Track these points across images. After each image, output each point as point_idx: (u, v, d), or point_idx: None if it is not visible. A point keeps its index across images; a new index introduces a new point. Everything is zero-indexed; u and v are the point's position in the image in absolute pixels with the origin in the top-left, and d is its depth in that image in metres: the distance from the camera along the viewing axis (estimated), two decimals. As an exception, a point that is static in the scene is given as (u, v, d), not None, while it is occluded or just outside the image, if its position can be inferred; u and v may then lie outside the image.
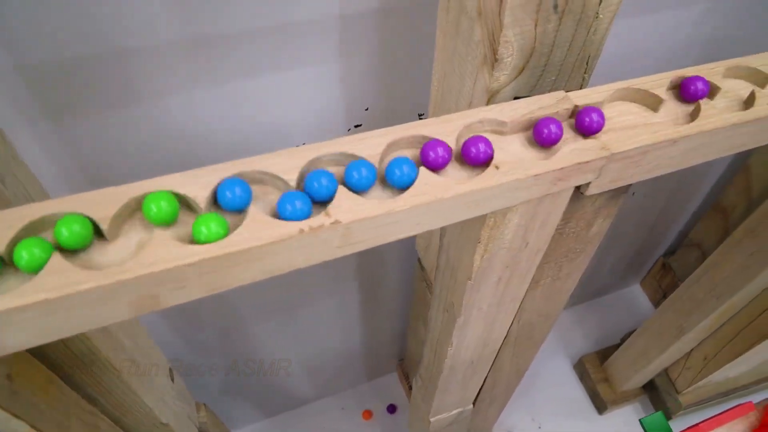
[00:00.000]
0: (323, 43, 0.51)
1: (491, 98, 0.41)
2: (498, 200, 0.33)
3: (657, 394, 1.12)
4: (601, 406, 1.17)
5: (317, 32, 0.50)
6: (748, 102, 0.39)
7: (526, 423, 1.19)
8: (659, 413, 0.53)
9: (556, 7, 0.36)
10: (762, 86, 0.41)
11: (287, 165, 0.32)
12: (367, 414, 1.19)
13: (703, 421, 0.49)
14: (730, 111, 0.38)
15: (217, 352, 0.89)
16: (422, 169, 0.32)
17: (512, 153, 0.34)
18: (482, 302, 0.47)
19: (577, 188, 0.38)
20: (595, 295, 1.34)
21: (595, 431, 1.17)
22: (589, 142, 0.34)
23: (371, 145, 0.33)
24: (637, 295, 1.37)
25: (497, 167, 0.33)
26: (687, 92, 0.38)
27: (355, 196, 0.31)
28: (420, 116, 0.62)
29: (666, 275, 1.28)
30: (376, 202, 0.31)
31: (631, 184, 0.42)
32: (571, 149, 0.34)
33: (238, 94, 0.51)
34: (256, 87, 0.52)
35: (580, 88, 0.44)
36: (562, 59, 0.41)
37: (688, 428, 0.48)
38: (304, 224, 0.30)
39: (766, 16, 0.72)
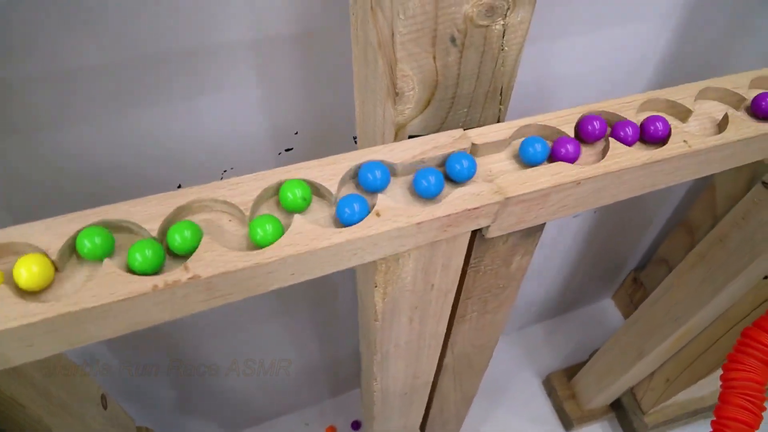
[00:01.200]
0: (243, 67, 0.49)
1: (399, 131, 0.39)
2: (381, 249, 0.31)
3: (624, 414, 1.10)
4: (567, 424, 1.15)
5: (237, 56, 0.48)
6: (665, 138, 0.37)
7: (493, 440, 1.17)
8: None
9: (453, 40, 0.34)
10: (683, 120, 0.40)
11: (149, 213, 0.30)
12: (331, 430, 1.17)
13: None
14: (642, 149, 0.36)
15: (164, 372, 0.88)
16: (296, 217, 0.30)
17: (398, 198, 0.33)
18: (398, 339, 0.45)
19: (480, 229, 0.36)
20: (566, 310, 1.32)
21: (562, 449, 1.15)
22: (482, 186, 0.33)
23: (245, 191, 0.31)
24: (608, 309, 1.35)
25: (378, 214, 0.31)
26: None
27: (220, 247, 0.29)
28: (354, 139, 0.60)
29: (637, 290, 1.26)
30: (242, 254, 0.29)
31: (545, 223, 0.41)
32: (461, 194, 0.32)
33: (156, 120, 0.50)
34: (172, 113, 0.50)
35: (498, 120, 0.42)
36: (471, 92, 0.39)
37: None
38: (158, 279, 0.28)
39: (720, 34, 0.71)
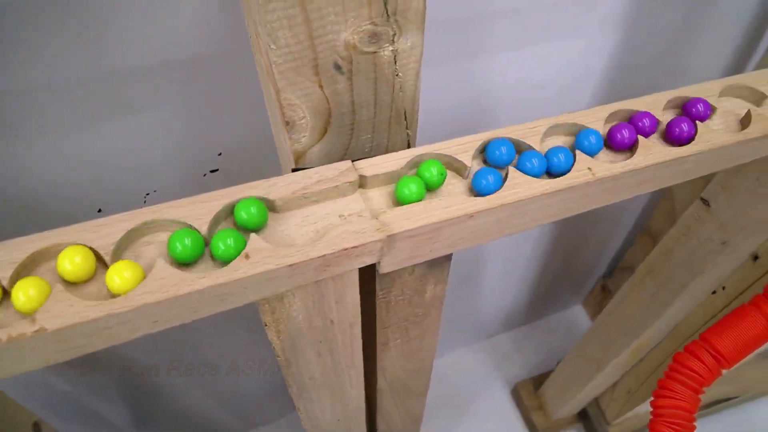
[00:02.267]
0: (163, 89, 0.47)
1: (298, 159, 0.38)
2: (252, 292, 0.30)
3: (590, 424, 1.09)
4: (535, 433, 1.14)
5: (158, 78, 0.46)
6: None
7: (460, 452, 1.15)
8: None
9: (339, 68, 0.33)
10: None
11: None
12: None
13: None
14: (532, 182, 0.34)
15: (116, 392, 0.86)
16: (158, 261, 0.28)
17: (275, 231, 0.31)
18: (311, 373, 0.43)
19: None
20: (536, 317, 1.31)
21: (530, 460, 1.14)
22: (363, 223, 0.31)
23: (108, 233, 0.29)
24: (579, 316, 1.34)
25: (247, 256, 0.29)
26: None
27: (71, 297, 0.27)
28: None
29: (606, 297, 1.25)
30: (94, 305, 0.27)
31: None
32: (339, 232, 0.30)
33: (75, 144, 0.48)
34: (92, 137, 0.48)
35: (408, 145, 0.40)
36: (371, 117, 0.37)
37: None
38: (2, 332, 0.26)
39: (664, 47, 0.69)
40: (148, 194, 0.55)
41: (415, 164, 0.35)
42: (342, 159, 0.39)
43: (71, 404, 0.83)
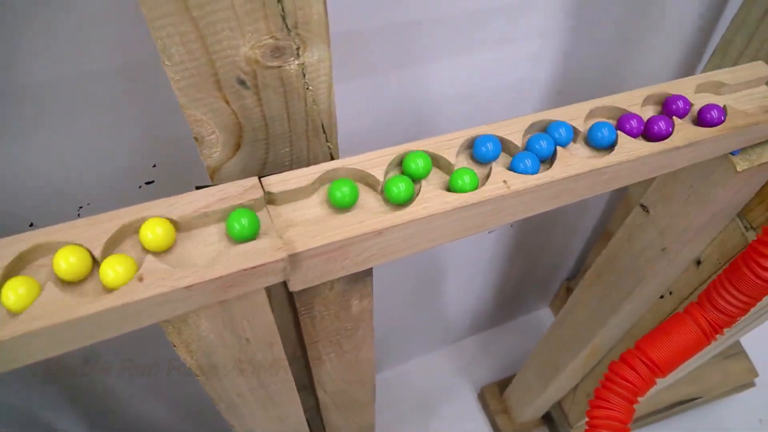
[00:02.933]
0: (92, 100, 0.46)
1: (214, 174, 0.37)
2: (150, 315, 0.29)
3: (554, 427, 1.09)
4: (500, 437, 1.14)
5: (86, 88, 0.45)
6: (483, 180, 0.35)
7: (427, 457, 1.15)
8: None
9: (243, 83, 0.32)
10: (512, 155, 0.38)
11: None
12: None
13: None
14: (444, 196, 0.34)
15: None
16: (48, 284, 0.28)
17: (173, 252, 0.30)
18: (237, 390, 0.42)
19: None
20: (503, 321, 1.31)
21: (496, 464, 1.14)
22: (264, 242, 0.30)
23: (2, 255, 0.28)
24: (546, 318, 1.34)
25: (141, 279, 0.28)
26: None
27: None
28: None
29: (571, 299, 1.25)
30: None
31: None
32: (239, 252, 0.30)
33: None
34: (18, 149, 0.47)
35: (331, 157, 0.40)
36: (286, 131, 0.36)
37: None
38: None
39: (606, 52, 0.69)
40: (81, 207, 0.54)
41: (329, 179, 0.35)
42: (260, 173, 0.38)
43: (19, 417, 0.81)
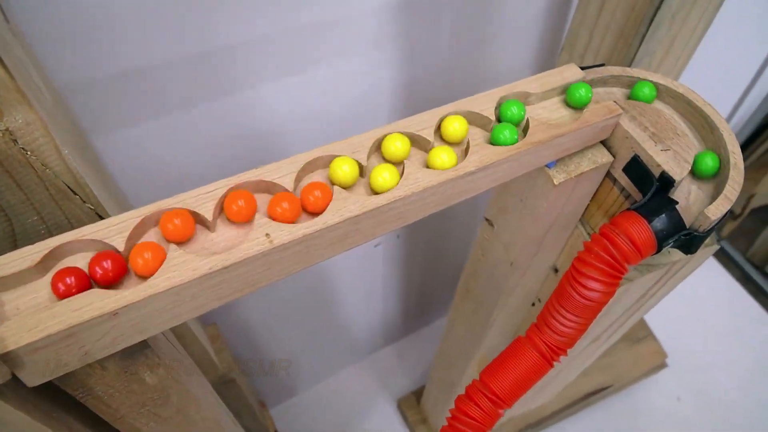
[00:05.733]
0: None
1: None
2: None
3: (472, 432, 1.07)
4: (422, 449, 1.11)
5: None
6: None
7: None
8: None
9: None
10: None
11: None
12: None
13: None
14: (195, 260, 0.30)
15: None
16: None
17: None
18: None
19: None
20: (417, 327, 1.29)
21: (419, 477, 1.11)
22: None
23: None
24: (463, 319, 1.32)
25: None
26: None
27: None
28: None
29: (483, 298, 1.24)
30: None
31: (147, 346, 0.34)
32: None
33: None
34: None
35: (100, 217, 0.36)
36: (24, 200, 0.32)
37: None
38: None
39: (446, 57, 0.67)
40: None
41: (62, 255, 0.30)
42: (14, 247, 0.34)
43: None
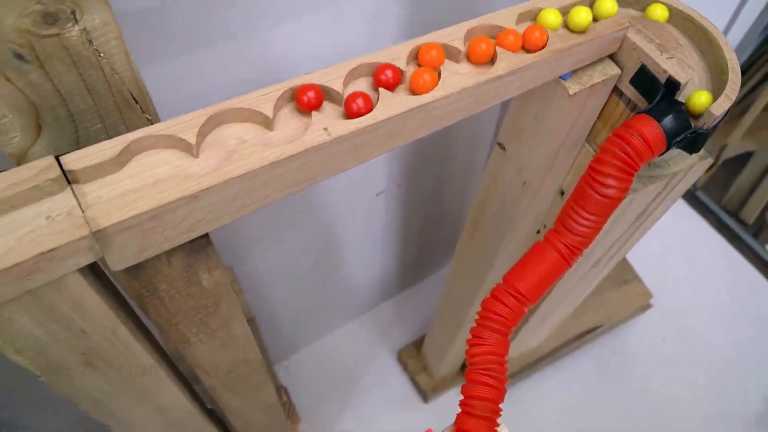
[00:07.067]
0: None
1: (20, 162, 0.35)
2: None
3: (472, 375, 1.12)
4: (423, 395, 1.16)
5: None
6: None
7: (353, 426, 1.15)
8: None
9: (21, 57, 0.30)
10: (338, 104, 0.37)
11: None
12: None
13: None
14: (263, 150, 0.32)
15: None
16: None
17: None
18: (97, 386, 0.40)
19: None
20: (413, 282, 1.32)
21: (421, 420, 1.15)
22: (64, 222, 0.28)
23: None
24: (455, 273, 1.37)
25: None
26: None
27: None
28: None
29: (476, 251, 1.28)
30: None
31: (205, 236, 0.37)
32: (35, 236, 0.27)
33: None
34: None
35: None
36: (92, 106, 0.34)
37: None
38: None
39: None
40: None
41: (138, 150, 0.33)
42: (77, 154, 0.36)
43: None
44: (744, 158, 1.56)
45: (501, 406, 0.46)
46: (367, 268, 1.13)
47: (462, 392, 0.47)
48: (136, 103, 0.36)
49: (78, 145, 0.36)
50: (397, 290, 1.30)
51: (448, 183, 1.04)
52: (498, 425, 0.47)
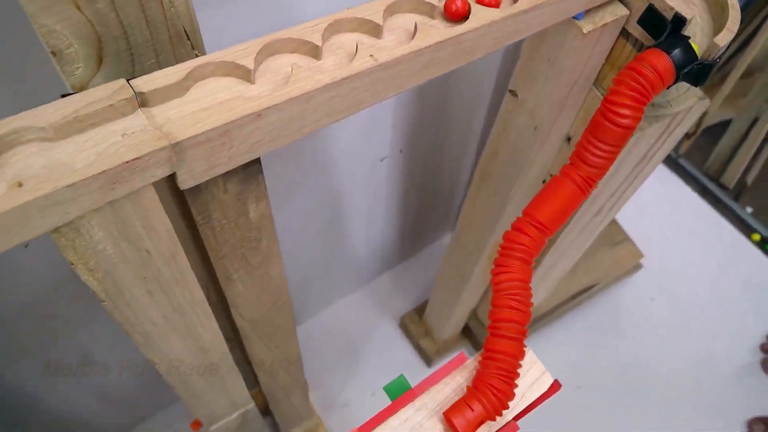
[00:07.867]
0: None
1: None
2: (37, 224, 0.28)
3: (474, 338, 1.15)
4: (427, 359, 1.19)
5: None
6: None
7: (359, 394, 1.18)
8: (400, 377, 0.52)
9: (93, -15, 0.32)
10: (377, 37, 0.39)
11: None
12: (196, 425, 1.13)
13: (417, 385, 0.49)
14: (317, 74, 0.35)
15: None
16: None
17: (51, 159, 0.30)
18: (150, 317, 0.42)
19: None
20: (412, 253, 1.35)
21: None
22: (143, 135, 0.30)
23: None
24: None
25: (20, 184, 0.28)
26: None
27: None
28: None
29: (471, 219, 1.31)
30: None
31: (258, 163, 0.39)
32: (119, 147, 0.29)
33: None
34: None
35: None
36: (149, 39, 0.36)
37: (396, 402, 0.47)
38: None
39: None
40: None
41: (200, 76, 0.35)
42: (132, 90, 0.38)
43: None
44: (723, 126, 1.61)
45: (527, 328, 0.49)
46: (368, 239, 1.15)
47: (489, 317, 0.50)
48: (188, 39, 0.38)
49: (133, 78, 0.38)
50: (396, 261, 1.33)
51: (446, 149, 1.06)
52: (525, 347, 0.50)
